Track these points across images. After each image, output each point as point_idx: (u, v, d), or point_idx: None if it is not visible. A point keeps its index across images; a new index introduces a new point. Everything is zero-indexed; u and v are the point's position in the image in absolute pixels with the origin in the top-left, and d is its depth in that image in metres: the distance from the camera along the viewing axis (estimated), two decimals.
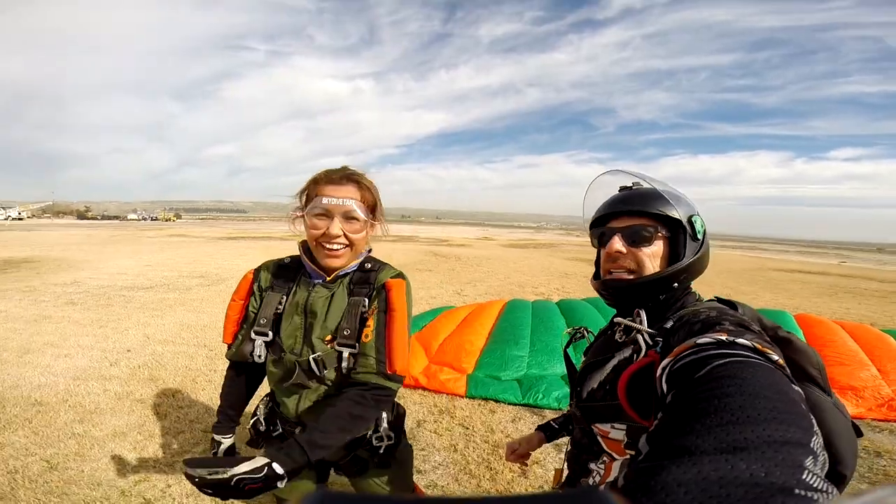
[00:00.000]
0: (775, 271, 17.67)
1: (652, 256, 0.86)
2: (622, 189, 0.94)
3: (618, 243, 0.87)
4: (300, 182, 1.18)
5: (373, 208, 1.18)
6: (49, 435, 2.80)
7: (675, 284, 0.86)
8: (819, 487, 0.33)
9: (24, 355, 4.27)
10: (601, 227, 0.93)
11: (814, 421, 0.42)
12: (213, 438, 1.31)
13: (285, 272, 1.25)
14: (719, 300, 0.86)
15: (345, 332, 1.13)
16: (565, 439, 1.19)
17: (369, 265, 1.20)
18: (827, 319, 5.05)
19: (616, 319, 0.89)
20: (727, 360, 0.52)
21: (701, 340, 0.59)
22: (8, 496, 2.21)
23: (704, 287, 0.92)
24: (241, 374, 1.33)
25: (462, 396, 3.55)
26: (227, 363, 1.34)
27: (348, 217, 1.11)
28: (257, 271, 1.28)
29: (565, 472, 1.03)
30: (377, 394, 1.09)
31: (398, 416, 1.33)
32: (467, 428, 3.07)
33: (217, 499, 0.96)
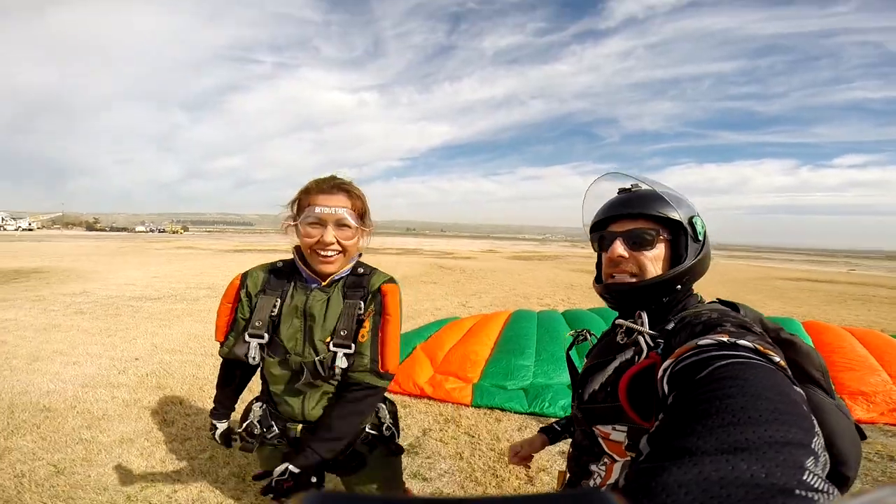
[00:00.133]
0: (782, 280, 17.51)
1: (654, 259, 0.86)
2: (621, 191, 0.93)
3: (620, 248, 0.86)
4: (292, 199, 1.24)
5: (362, 215, 1.24)
6: (57, 440, 2.82)
7: (678, 287, 0.85)
8: (820, 488, 0.33)
9: (33, 362, 4.32)
10: (601, 230, 0.92)
11: (815, 422, 0.42)
12: (211, 423, 1.44)
13: (278, 276, 1.29)
14: (721, 302, 0.86)
15: (341, 333, 1.19)
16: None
17: (361, 269, 1.28)
18: (836, 326, 5.00)
19: (618, 321, 0.89)
20: (729, 361, 0.52)
21: (702, 342, 0.59)
22: (14, 500, 2.22)
23: (709, 297, 0.92)
24: (235, 370, 1.42)
25: (468, 405, 3.54)
26: None
27: (340, 225, 1.17)
28: (244, 276, 1.31)
29: (567, 474, 1.03)
30: (370, 392, 1.20)
31: (394, 412, 1.42)
32: (473, 436, 3.05)
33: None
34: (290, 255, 1.32)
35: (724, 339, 0.58)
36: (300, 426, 1.27)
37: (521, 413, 3.42)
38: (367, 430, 1.32)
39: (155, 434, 2.95)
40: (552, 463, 2.64)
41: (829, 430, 0.67)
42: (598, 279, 0.97)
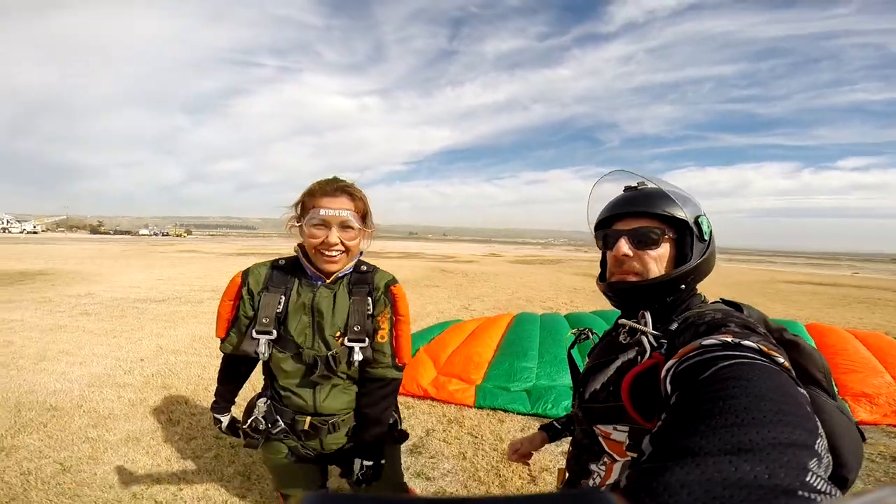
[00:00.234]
0: (786, 283, 17.43)
1: (658, 259, 0.85)
2: (627, 189, 0.92)
3: (624, 247, 0.85)
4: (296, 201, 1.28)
5: (364, 217, 1.28)
6: (63, 439, 2.84)
7: (682, 286, 0.85)
8: (822, 489, 0.33)
9: (39, 362, 4.35)
10: (606, 228, 0.91)
11: (819, 423, 0.42)
12: (213, 417, 1.49)
13: (280, 273, 1.32)
14: (725, 302, 0.85)
15: (355, 329, 1.26)
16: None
17: (364, 267, 1.35)
18: (839, 328, 4.99)
19: (620, 321, 0.88)
20: (732, 361, 0.52)
21: (706, 342, 0.58)
22: (21, 497, 2.24)
23: (712, 299, 0.93)
24: (236, 365, 1.47)
25: (471, 407, 3.55)
26: None
27: (344, 226, 1.21)
28: (245, 274, 1.33)
29: (567, 474, 1.03)
30: (394, 383, 1.37)
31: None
32: (476, 437, 3.06)
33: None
34: (290, 254, 1.36)
35: (729, 339, 0.58)
36: (308, 418, 1.31)
37: (524, 414, 3.42)
38: None
39: (160, 433, 2.97)
40: (555, 463, 2.65)
41: (829, 431, 0.66)
42: (601, 277, 0.96)
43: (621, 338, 0.87)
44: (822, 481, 0.34)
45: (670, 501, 0.33)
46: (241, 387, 1.52)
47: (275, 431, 1.33)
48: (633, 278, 0.86)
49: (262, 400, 1.36)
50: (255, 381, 1.48)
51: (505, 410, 3.48)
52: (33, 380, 3.86)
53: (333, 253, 1.22)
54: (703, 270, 0.87)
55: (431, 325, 5.53)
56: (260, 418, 1.33)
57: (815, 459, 0.36)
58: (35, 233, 70.60)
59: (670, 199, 0.85)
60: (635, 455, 0.81)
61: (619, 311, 0.96)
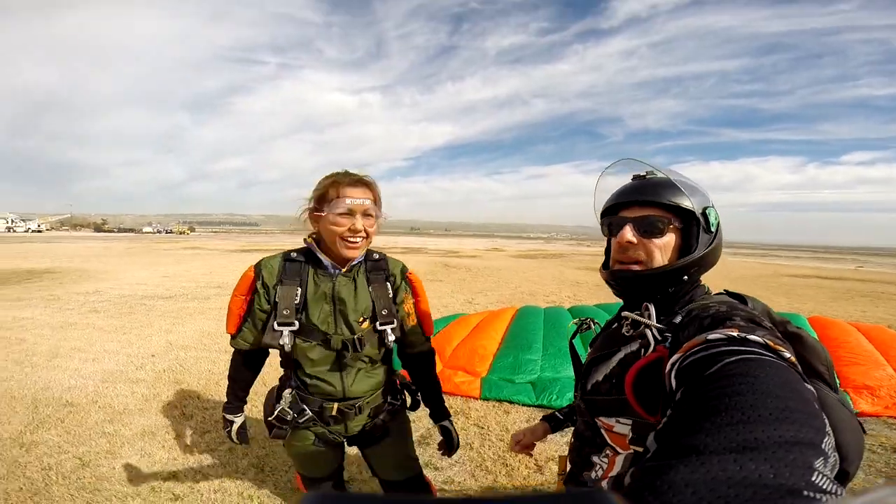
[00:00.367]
0: (790, 277, 17.39)
1: (663, 248, 0.84)
2: (635, 178, 0.91)
3: (629, 233, 0.85)
4: (308, 194, 1.34)
5: (378, 206, 1.37)
6: (81, 434, 2.91)
7: (685, 277, 0.84)
8: (827, 489, 0.33)
9: (52, 359, 4.44)
10: (612, 216, 0.91)
11: (826, 421, 0.42)
12: (224, 418, 1.53)
13: (293, 265, 1.36)
14: (729, 294, 0.86)
15: (383, 313, 1.36)
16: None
17: (376, 255, 1.44)
18: (841, 321, 5.02)
19: (623, 313, 0.87)
20: (739, 357, 0.51)
21: (711, 336, 0.58)
22: (42, 492, 2.31)
23: (715, 291, 0.94)
24: (248, 361, 1.50)
25: (476, 398, 3.61)
26: None
27: (366, 214, 1.29)
28: (258, 268, 1.35)
29: (569, 465, 1.03)
30: (433, 353, 1.59)
31: (403, 382, 1.65)
32: (482, 428, 3.12)
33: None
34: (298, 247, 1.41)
35: (734, 333, 0.57)
36: (336, 404, 1.37)
37: (530, 405, 3.48)
38: (389, 400, 1.49)
39: (175, 427, 3.04)
40: (560, 453, 2.70)
41: (832, 425, 0.69)
42: (605, 265, 0.96)
43: (624, 330, 0.86)
44: (828, 481, 0.33)
45: (675, 501, 0.33)
46: (252, 383, 1.55)
47: (301, 420, 1.38)
48: (636, 267, 0.86)
49: (287, 391, 1.40)
50: (263, 374, 1.55)
51: (510, 402, 3.54)
52: (48, 376, 3.95)
53: (357, 239, 1.28)
54: (707, 262, 0.86)
55: (436, 319, 5.57)
56: (286, 409, 1.37)
57: (821, 458, 0.36)
58: (40, 231, 71.02)
59: (678, 188, 0.85)
60: (639, 448, 0.82)
61: (622, 303, 0.96)
